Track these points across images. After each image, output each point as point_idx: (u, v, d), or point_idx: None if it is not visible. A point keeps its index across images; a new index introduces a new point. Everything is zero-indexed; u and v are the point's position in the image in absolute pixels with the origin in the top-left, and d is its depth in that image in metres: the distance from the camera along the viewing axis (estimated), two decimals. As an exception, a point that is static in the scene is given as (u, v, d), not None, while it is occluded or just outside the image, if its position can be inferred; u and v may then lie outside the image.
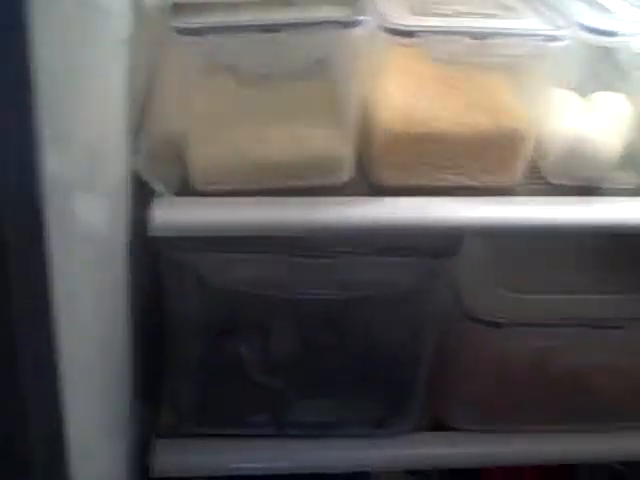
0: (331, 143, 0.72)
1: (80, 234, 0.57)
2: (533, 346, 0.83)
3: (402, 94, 0.74)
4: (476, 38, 0.69)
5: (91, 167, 0.60)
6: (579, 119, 0.77)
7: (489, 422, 0.89)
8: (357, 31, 0.67)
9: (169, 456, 0.83)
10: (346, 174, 0.73)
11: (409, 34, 0.69)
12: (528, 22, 0.73)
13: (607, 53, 0.78)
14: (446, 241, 0.76)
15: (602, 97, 0.79)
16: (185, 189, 0.72)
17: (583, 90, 0.81)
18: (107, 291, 0.69)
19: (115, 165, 0.68)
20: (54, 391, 0.56)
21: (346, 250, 0.75)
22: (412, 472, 0.99)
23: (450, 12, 0.73)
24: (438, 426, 0.89)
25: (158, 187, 0.70)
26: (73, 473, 0.60)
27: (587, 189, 0.77)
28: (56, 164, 0.50)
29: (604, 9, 0.76)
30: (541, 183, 0.78)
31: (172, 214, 0.70)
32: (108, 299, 0.69)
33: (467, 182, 0.75)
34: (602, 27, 0.73)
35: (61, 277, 0.52)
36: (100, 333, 0.67)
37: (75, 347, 0.56)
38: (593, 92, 0.80)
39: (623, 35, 0.72)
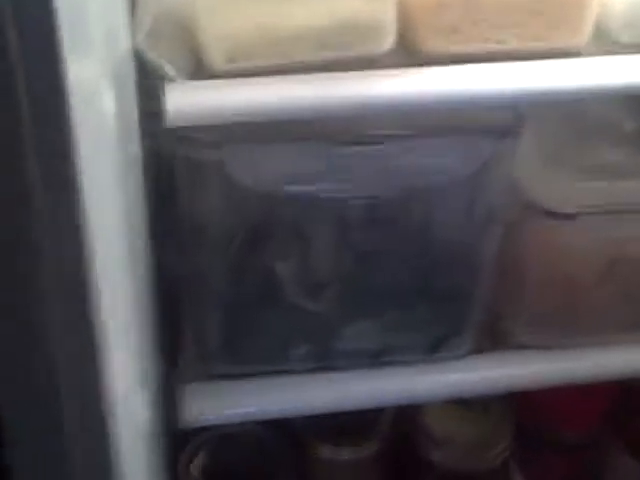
0: (369, 3, 0.60)
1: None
2: (609, 239, 0.72)
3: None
4: None
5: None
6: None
7: (561, 336, 0.77)
8: None
9: (198, 403, 0.71)
10: (387, 41, 0.61)
11: None
12: None
13: None
14: (507, 118, 0.65)
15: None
16: (200, 71, 0.60)
17: None
18: (129, 202, 0.58)
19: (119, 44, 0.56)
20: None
21: (395, 133, 0.63)
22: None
23: None
24: (500, 346, 0.78)
25: (168, 70, 0.58)
26: (108, 425, 0.50)
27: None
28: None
29: None
30: (609, 44, 0.67)
31: (189, 100, 0.58)
32: (130, 210, 0.58)
33: (528, 43, 0.64)
34: None
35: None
36: (124, 251, 0.55)
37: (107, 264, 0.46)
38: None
39: None
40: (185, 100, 0.58)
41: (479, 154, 0.64)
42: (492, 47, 0.63)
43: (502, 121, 0.65)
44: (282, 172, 0.62)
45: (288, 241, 0.66)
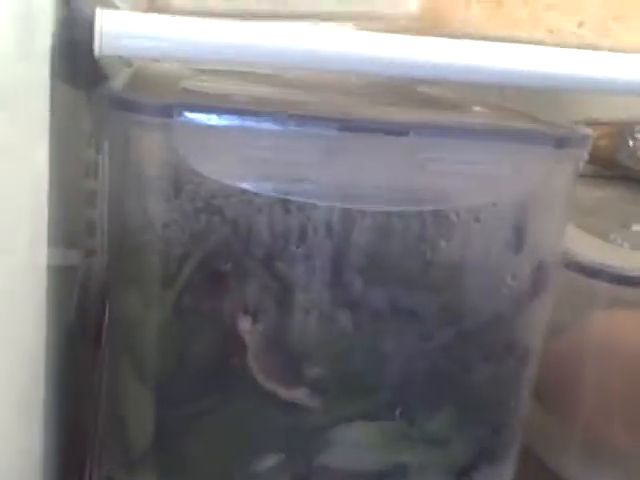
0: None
1: None
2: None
3: None
4: None
5: None
6: None
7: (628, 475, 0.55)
8: None
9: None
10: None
11: None
12: None
13: None
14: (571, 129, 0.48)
15: None
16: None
17: None
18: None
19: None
20: None
21: (427, 123, 0.45)
22: None
23: None
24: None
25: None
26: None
27: None
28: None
29: None
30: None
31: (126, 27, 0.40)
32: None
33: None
34: None
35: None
36: None
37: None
38: None
39: None
40: (121, 26, 0.39)
41: (534, 170, 0.46)
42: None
43: (565, 131, 0.48)
44: (256, 162, 0.43)
45: (259, 281, 0.45)
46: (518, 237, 0.48)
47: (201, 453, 0.48)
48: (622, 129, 0.89)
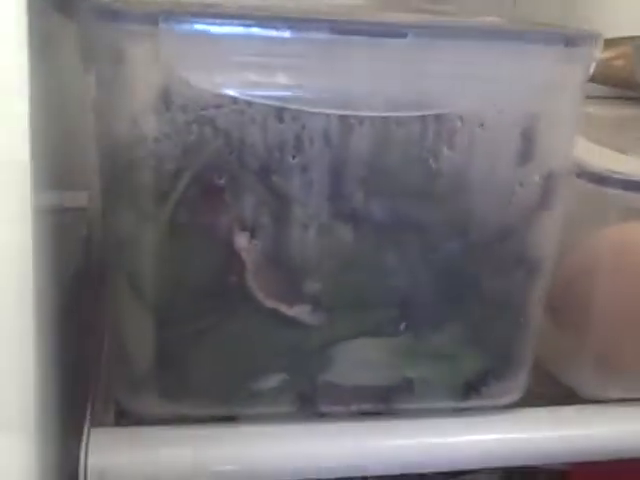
0: None
1: None
2: None
3: None
4: None
5: None
6: None
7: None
8: None
9: (109, 456, 0.45)
10: None
11: None
12: None
13: None
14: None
15: None
16: None
17: None
18: None
19: None
20: None
21: (426, 24, 0.43)
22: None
23: None
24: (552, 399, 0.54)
25: None
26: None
27: None
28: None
29: None
30: None
31: None
32: None
33: None
34: None
35: None
36: None
37: None
38: None
39: None
40: None
41: (543, 70, 0.44)
42: None
43: (574, 31, 0.45)
44: (247, 70, 0.41)
45: (255, 196, 0.44)
46: (526, 145, 0.46)
47: (203, 373, 0.47)
48: (637, 46, 0.86)
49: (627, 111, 0.81)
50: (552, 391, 0.55)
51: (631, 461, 0.52)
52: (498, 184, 0.46)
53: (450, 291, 0.48)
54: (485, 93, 0.44)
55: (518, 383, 0.51)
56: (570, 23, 0.89)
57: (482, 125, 0.44)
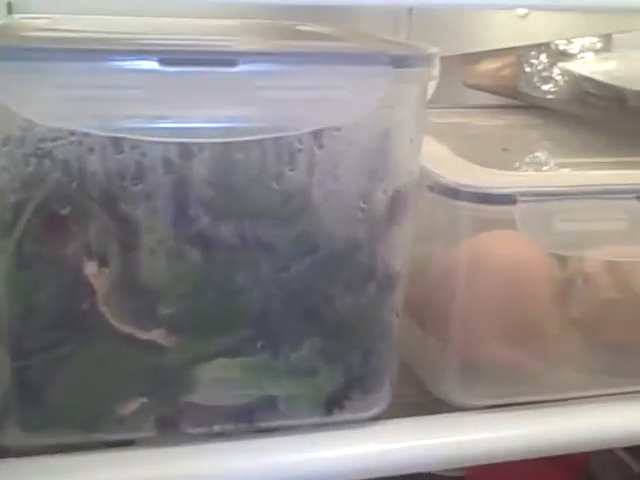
0: None
1: None
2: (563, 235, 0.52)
3: None
4: None
5: None
6: None
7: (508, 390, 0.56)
8: None
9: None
10: None
11: None
12: None
13: None
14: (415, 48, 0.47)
15: None
16: None
17: None
18: None
19: None
20: None
21: (255, 50, 0.44)
22: None
23: None
24: (425, 408, 0.55)
25: None
26: None
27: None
28: None
29: None
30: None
31: None
32: None
33: None
34: None
35: None
36: None
37: None
38: None
39: None
40: None
41: (373, 90, 0.45)
42: None
43: (404, 50, 0.47)
44: (80, 101, 0.42)
45: (100, 223, 0.45)
46: (368, 163, 0.48)
47: (63, 402, 0.47)
48: (520, 56, 0.89)
49: (508, 119, 0.84)
50: (424, 400, 0.57)
51: (524, 462, 0.54)
52: (343, 201, 0.47)
53: (304, 308, 0.49)
54: (322, 114, 0.45)
55: (382, 395, 0.53)
56: (462, 41, 0.92)
57: (321, 146, 0.46)
